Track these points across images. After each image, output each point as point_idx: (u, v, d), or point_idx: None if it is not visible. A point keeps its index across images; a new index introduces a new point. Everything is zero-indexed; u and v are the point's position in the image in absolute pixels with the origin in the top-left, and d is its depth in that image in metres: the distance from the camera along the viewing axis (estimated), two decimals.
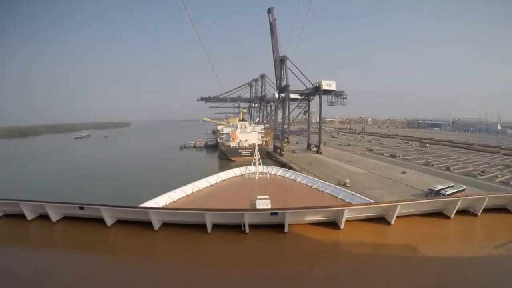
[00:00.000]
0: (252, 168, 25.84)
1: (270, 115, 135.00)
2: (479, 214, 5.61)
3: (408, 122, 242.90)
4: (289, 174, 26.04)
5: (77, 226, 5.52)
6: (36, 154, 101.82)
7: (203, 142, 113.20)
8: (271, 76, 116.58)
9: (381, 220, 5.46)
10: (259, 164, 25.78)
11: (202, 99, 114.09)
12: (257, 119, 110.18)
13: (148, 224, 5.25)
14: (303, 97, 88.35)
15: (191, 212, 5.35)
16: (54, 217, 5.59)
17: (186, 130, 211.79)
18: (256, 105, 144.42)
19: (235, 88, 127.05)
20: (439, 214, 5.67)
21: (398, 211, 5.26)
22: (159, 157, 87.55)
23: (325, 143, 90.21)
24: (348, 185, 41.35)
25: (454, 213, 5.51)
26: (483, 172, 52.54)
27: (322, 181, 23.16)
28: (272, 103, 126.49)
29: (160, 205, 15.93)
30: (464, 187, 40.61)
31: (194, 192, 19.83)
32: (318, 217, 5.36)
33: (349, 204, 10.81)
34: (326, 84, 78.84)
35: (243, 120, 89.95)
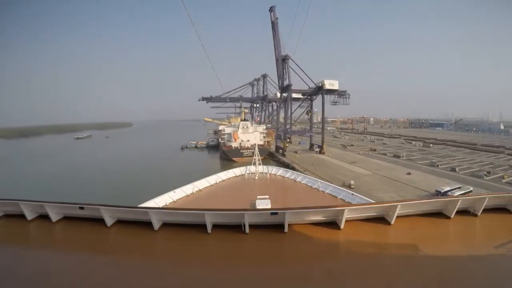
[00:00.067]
0: (252, 168, 25.80)
1: (272, 115, 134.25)
2: (479, 214, 5.59)
3: (410, 122, 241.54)
4: (289, 174, 25.97)
5: (77, 226, 5.52)
6: (36, 154, 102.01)
7: (205, 143, 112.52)
8: (273, 76, 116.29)
9: (381, 220, 5.44)
10: (259, 164, 25.75)
11: (203, 99, 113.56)
12: (257, 119, 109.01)
13: (148, 224, 5.23)
14: (305, 96, 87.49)
15: (191, 212, 5.35)
16: (54, 217, 5.59)
17: (187, 130, 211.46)
18: (257, 105, 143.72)
19: (237, 88, 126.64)
20: (439, 214, 5.66)
21: (398, 211, 5.25)
22: (159, 157, 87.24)
23: (326, 144, 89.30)
24: (352, 187, 40.55)
25: (454, 213, 5.49)
26: (488, 172, 51.86)
27: (322, 181, 23.02)
28: (274, 103, 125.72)
29: (160, 205, 15.90)
30: (471, 189, 39.79)
31: (194, 192, 19.81)
32: (318, 217, 5.35)
33: (349, 204, 10.93)
34: (329, 84, 77.99)
35: (244, 120, 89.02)
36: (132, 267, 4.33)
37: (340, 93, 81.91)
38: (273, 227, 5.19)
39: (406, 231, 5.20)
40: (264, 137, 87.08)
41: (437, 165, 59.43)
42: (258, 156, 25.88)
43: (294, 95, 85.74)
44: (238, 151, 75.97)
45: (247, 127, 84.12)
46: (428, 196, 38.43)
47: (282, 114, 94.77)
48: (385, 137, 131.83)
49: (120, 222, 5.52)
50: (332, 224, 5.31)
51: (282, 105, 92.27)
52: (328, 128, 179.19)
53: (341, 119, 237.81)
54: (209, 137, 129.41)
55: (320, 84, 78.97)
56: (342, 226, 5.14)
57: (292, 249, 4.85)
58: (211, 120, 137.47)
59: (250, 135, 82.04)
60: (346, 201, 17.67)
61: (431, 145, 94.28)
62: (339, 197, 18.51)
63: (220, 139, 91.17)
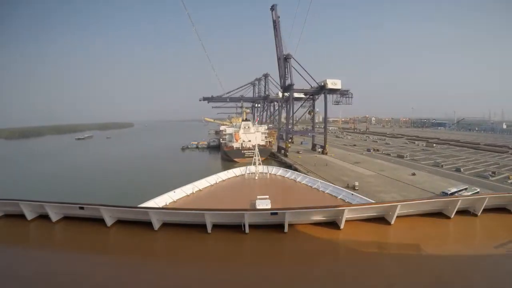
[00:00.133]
0: (252, 168, 25.71)
1: (274, 115, 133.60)
2: (479, 214, 5.54)
3: (412, 122, 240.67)
4: (289, 174, 25.87)
5: (77, 226, 5.48)
6: (36, 154, 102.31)
7: (206, 143, 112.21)
8: (274, 75, 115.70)
9: (381, 220, 5.40)
10: (259, 164, 25.65)
11: (204, 99, 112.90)
12: (257, 120, 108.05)
13: (148, 224, 5.18)
14: (307, 96, 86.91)
15: (191, 212, 5.33)
16: (54, 217, 5.53)
17: (188, 131, 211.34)
18: (259, 105, 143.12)
19: (238, 88, 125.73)
20: (439, 214, 5.62)
21: (398, 211, 5.20)
22: (160, 157, 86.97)
23: (328, 144, 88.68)
24: (357, 188, 39.94)
25: (454, 213, 5.44)
26: (494, 173, 51.38)
27: (322, 181, 22.93)
28: (275, 103, 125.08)
29: (160, 205, 15.86)
30: (478, 190, 39.20)
31: (194, 192, 19.75)
32: (318, 217, 5.31)
33: (349, 204, 10.87)
34: (331, 83, 77.28)
35: (246, 120, 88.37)
36: (132, 267, 4.30)
37: (343, 93, 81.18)
38: (273, 227, 5.15)
39: (406, 231, 5.18)
40: (265, 137, 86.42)
41: (442, 166, 58.79)
42: (258, 156, 25.81)
43: (296, 95, 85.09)
44: (239, 152, 75.26)
45: (248, 127, 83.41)
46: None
47: (283, 114, 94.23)
48: (388, 136, 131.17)
49: (120, 222, 5.48)
50: (332, 224, 5.26)
51: (284, 105, 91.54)
52: (330, 128, 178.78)
53: (342, 119, 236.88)
54: (210, 138, 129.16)
55: (322, 84, 78.28)
56: (342, 226, 5.10)
57: (292, 249, 4.82)
58: (212, 120, 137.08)
59: (252, 135, 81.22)
60: (346, 201, 17.62)
61: (434, 145, 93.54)
62: (339, 197, 18.48)
63: (221, 139, 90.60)
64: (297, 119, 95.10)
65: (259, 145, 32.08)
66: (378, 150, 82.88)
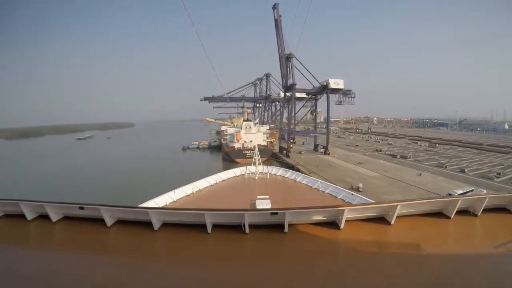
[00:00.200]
0: (252, 168, 25.78)
1: (275, 115, 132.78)
2: (479, 214, 5.55)
3: (414, 122, 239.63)
4: (289, 174, 25.90)
5: (77, 226, 5.49)
6: (37, 154, 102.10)
7: (207, 143, 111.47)
8: (275, 75, 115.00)
9: (381, 220, 5.40)
10: (259, 164, 25.70)
11: (205, 99, 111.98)
12: (257, 120, 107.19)
13: (148, 224, 5.19)
14: (309, 96, 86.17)
15: (191, 212, 5.32)
16: (54, 217, 5.54)
17: (189, 131, 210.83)
18: (260, 105, 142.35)
19: (239, 88, 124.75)
20: (439, 214, 5.62)
21: (398, 211, 5.21)
22: (160, 157, 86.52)
23: (330, 144, 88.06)
24: (361, 190, 39.27)
25: (454, 213, 5.44)
26: (499, 174, 50.68)
27: (322, 181, 22.91)
28: (277, 103, 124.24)
29: (160, 205, 15.90)
30: (484, 192, 38.50)
31: (194, 192, 19.81)
32: (318, 217, 5.32)
33: (349, 204, 10.91)
34: (334, 83, 76.45)
35: (247, 120, 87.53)
36: (132, 267, 4.30)
37: (345, 93, 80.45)
38: (273, 227, 5.15)
39: (406, 231, 5.17)
40: (267, 137, 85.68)
41: (446, 166, 58.15)
42: (258, 156, 25.81)
43: (298, 95, 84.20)
44: (240, 152, 74.54)
45: (250, 127, 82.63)
46: None
47: (285, 114, 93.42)
48: (390, 137, 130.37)
49: (120, 222, 5.48)
50: (332, 224, 5.27)
51: (285, 105, 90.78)
52: (332, 128, 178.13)
53: (344, 119, 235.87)
54: (211, 138, 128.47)
55: (324, 83, 77.45)
56: (342, 226, 5.10)
57: (292, 249, 4.81)
58: (213, 120, 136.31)
59: (253, 135, 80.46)
60: (346, 201, 17.62)
61: (437, 145, 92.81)
62: (339, 197, 18.48)
63: (222, 139, 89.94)
64: (299, 119, 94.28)
65: (260, 145, 31.76)
66: (381, 151, 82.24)
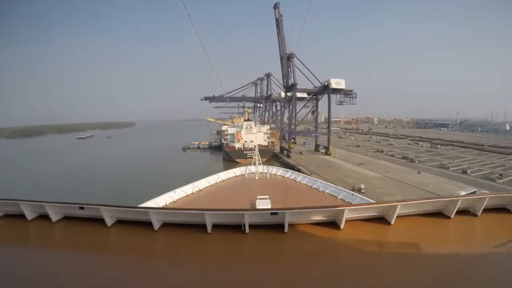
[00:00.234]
0: (252, 168, 25.83)
1: (276, 115, 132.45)
2: (479, 214, 5.56)
3: (415, 122, 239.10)
4: (289, 174, 25.89)
5: (77, 226, 5.51)
6: (37, 154, 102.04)
7: (207, 143, 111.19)
8: (276, 75, 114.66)
9: (381, 220, 5.41)
10: (259, 164, 25.75)
11: (206, 98, 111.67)
12: (257, 120, 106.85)
13: (148, 224, 5.20)
14: (310, 96, 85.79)
15: (191, 212, 5.33)
16: (54, 217, 5.57)
17: (189, 130, 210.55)
18: (261, 105, 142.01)
19: (240, 88, 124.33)
20: (439, 214, 5.63)
21: (398, 211, 5.22)
22: (161, 157, 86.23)
23: (331, 144, 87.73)
24: (363, 191, 38.98)
25: (454, 213, 5.46)
26: (501, 175, 50.36)
27: (322, 181, 22.83)
28: (278, 103, 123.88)
29: (160, 205, 15.90)
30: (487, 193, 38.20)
31: (194, 192, 19.82)
32: (318, 217, 5.33)
33: (349, 204, 10.86)
34: (335, 83, 76.07)
35: (248, 120, 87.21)
36: (132, 267, 4.30)
37: (347, 93, 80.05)
38: (273, 227, 5.16)
39: (406, 231, 5.18)
40: (268, 137, 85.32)
41: (448, 167, 57.83)
42: (258, 156, 25.83)
43: (299, 95, 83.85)
44: (241, 152, 74.12)
45: (250, 127, 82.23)
46: None
47: (286, 114, 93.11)
48: (391, 137, 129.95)
49: (120, 222, 5.50)
50: (332, 224, 5.28)
51: (286, 105, 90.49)
52: (332, 128, 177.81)
53: (345, 119, 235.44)
54: (211, 138, 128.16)
55: (326, 83, 77.05)
56: (342, 226, 5.11)
57: (292, 249, 4.82)
58: (213, 120, 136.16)
59: (254, 135, 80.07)
60: (346, 201, 17.65)
61: (438, 146, 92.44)
62: (339, 197, 18.48)
63: (223, 139, 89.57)
64: (300, 119, 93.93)
65: (261, 145, 31.56)
66: (382, 151, 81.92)
